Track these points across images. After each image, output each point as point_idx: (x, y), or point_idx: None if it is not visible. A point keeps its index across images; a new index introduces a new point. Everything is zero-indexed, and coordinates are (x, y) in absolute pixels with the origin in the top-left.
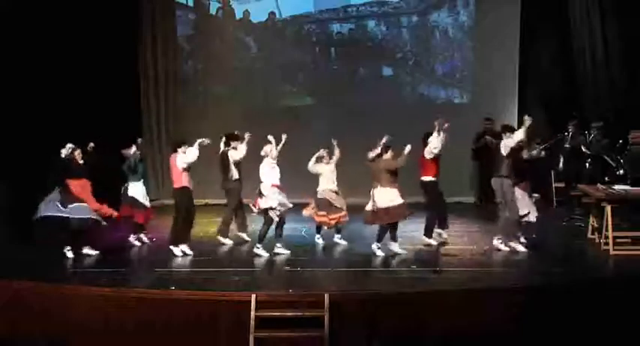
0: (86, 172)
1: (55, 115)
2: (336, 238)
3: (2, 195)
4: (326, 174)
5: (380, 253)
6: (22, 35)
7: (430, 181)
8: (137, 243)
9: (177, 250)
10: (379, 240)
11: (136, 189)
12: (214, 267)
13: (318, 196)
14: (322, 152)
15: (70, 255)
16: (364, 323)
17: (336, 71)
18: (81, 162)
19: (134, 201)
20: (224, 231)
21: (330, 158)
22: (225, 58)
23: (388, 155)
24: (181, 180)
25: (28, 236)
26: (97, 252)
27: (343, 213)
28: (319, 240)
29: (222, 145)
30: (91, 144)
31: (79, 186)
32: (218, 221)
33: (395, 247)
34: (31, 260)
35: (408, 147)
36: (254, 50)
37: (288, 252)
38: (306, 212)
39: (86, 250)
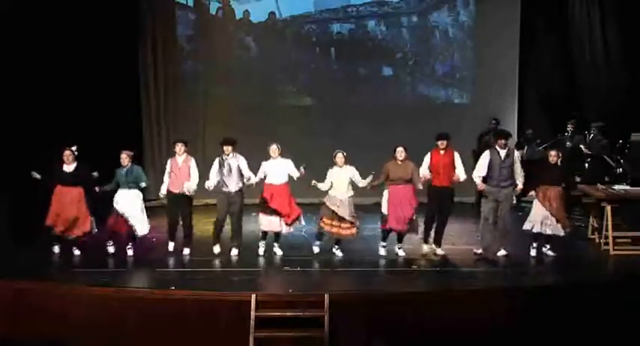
0: (79, 178)
1: (55, 115)
2: (335, 249)
3: (2, 195)
4: (335, 179)
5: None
6: (22, 37)
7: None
8: (111, 250)
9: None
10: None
11: (119, 197)
12: (214, 267)
13: (324, 201)
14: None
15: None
16: (364, 323)
17: (336, 71)
18: (72, 166)
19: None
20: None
21: (338, 161)
22: (225, 58)
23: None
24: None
25: (28, 236)
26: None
27: (347, 225)
28: (337, 251)
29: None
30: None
31: (69, 194)
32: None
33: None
34: (31, 260)
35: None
36: (254, 50)
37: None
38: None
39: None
